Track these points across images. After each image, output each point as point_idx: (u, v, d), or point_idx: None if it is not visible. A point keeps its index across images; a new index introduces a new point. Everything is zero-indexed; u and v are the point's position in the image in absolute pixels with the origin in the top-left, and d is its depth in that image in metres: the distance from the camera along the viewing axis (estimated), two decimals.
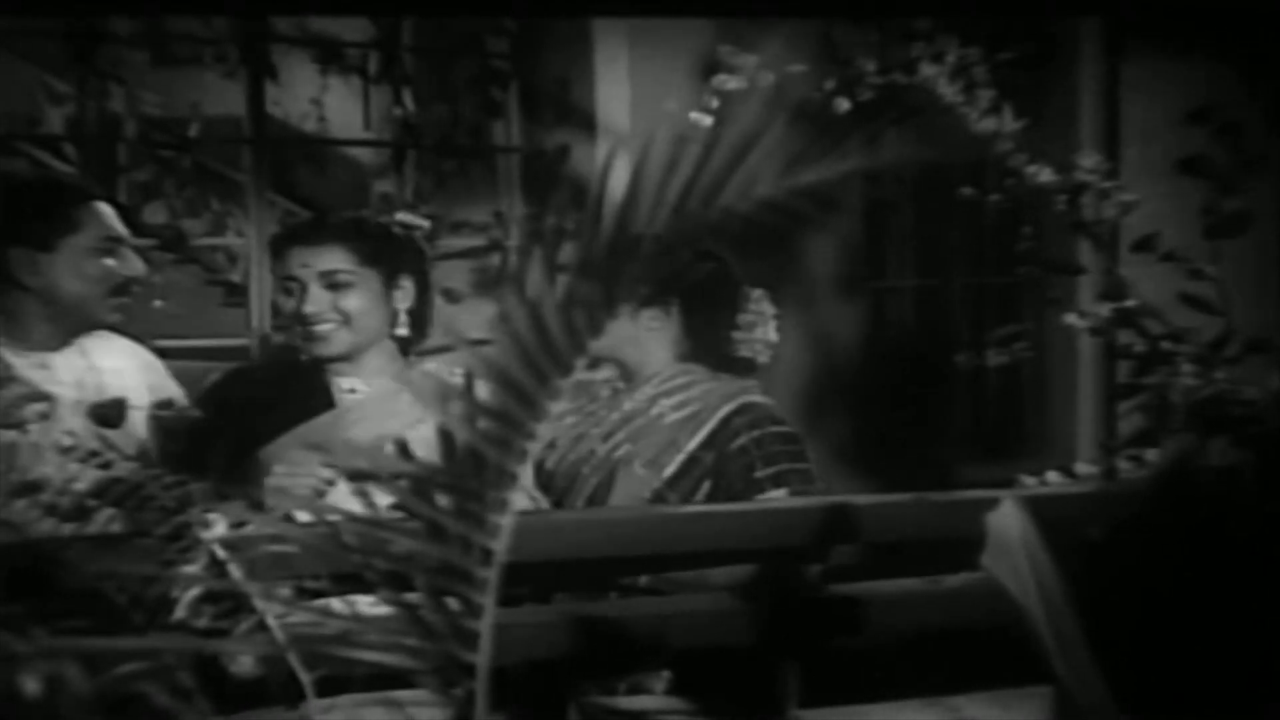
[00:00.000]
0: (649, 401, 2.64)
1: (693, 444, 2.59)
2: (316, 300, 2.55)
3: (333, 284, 2.55)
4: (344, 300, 2.56)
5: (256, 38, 4.06)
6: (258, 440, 2.50)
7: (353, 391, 2.59)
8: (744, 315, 2.70)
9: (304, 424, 2.53)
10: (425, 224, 2.77)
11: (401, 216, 2.79)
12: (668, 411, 2.62)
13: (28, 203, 2.59)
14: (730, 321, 2.69)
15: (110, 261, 2.60)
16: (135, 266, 2.63)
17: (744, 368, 2.70)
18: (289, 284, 2.58)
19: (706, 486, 2.57)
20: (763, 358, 2.71)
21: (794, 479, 2.55)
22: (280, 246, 2.65)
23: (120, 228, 2.64)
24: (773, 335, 2.71)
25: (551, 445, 2.66)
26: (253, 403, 2.58)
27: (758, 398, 2.64)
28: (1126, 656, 1.40)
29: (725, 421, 2.59)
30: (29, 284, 2.56)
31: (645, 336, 2.65)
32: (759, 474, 2.54)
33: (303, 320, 2.56)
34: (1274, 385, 2.97)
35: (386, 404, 2.56)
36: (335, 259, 2.56)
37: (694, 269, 2.63)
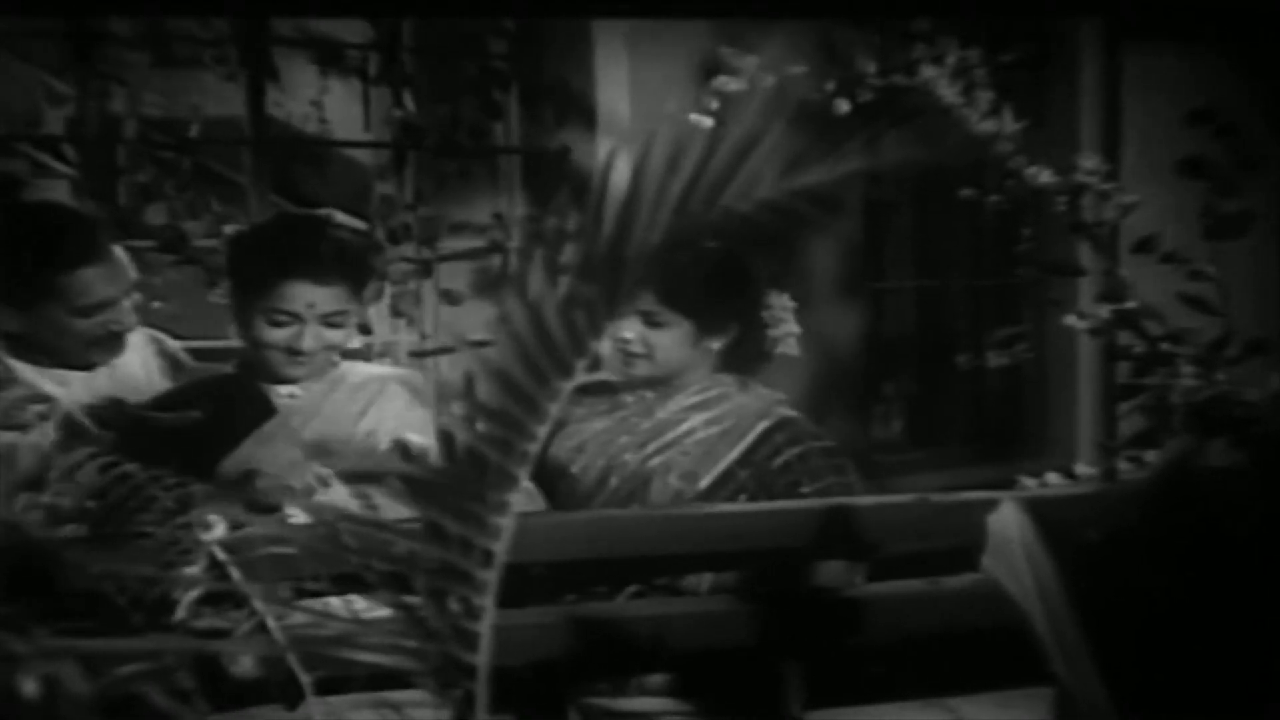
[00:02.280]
0: (682, 413, 2.62)
1: (729, 458, 2.57)
2: (316, 337, 2.49)
3: (332, 324, 2.50)
4: (336, 335, 2.52)
5: (257, 39, 4.06)
6: (209, 454, 2.43)
7: (292, 396, 2.56)
8: (769, 312, 2.69)
9: (255, 432, 2.49)
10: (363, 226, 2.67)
11: (342, 219, 2.71)
12: (700, 426, 2.60)
13: (12, 260, 2.50)
14: (759, 321, 2.68)
15: (98, 319, 2.52)
16: (125, 322, 2.56)
17: (768, 363, 2.69)
18: (281, 318, 2.47)
19: (742, 501, 2.55)
20: (794, 351, 2.70)
21: (838, 492, 2.53)
22: (273, 276, 2.47)
23: (115, 286, 2.53)
24: (796, 326, 2.70)
25: (580, 449, 2.65)
26: (193, 420, 2.48)
27: (791, 412, 2.63)
28: (1126, 657, 1.40)
29: (764, 438, 2.57)
30: (8, 329, 2.52)
31: (699, 356, 2.63)
32: (805, 489, 2.54)
33: (295, 353, 2.49)
34: (1274, 386, 2.97)
35: (325, 403, 2.54)
36: (340, 300, 2.50)
37: (722, 265, 2.61)
